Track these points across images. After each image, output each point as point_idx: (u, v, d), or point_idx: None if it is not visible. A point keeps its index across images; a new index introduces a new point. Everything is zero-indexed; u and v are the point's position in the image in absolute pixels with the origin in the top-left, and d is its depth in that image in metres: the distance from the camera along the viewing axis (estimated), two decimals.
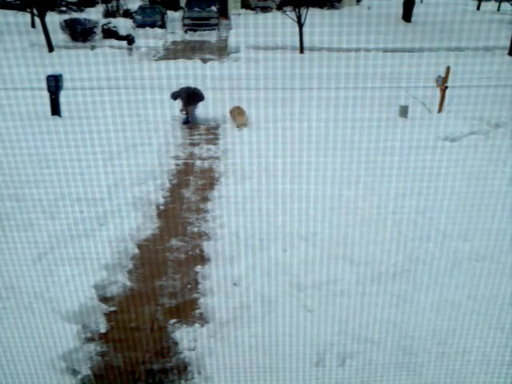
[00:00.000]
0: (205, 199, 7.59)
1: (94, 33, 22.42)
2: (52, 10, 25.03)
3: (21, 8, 23.95)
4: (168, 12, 28.72)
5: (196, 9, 25.56)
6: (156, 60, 19.60)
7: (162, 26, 25.79)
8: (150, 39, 22.53)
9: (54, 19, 22.55)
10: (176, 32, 25.75)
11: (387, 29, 23.17)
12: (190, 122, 11.45)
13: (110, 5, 28.27)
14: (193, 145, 10.18)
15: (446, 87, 11.18)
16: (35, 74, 13.89)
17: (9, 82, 14.27)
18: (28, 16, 24.27)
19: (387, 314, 4.64)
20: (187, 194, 7.83)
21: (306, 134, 9.90)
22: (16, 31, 21.94)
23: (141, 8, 26.51)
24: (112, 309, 5.00)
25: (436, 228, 6.27)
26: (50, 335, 4.34)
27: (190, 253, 6.07)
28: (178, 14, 29.20)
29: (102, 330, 4.69)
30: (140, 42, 21.61)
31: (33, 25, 24.22)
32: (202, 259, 5.88)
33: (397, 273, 5.31)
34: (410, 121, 10.78)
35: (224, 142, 10.16)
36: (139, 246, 6.13)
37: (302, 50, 20.76)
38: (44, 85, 10.80)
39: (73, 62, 16.94)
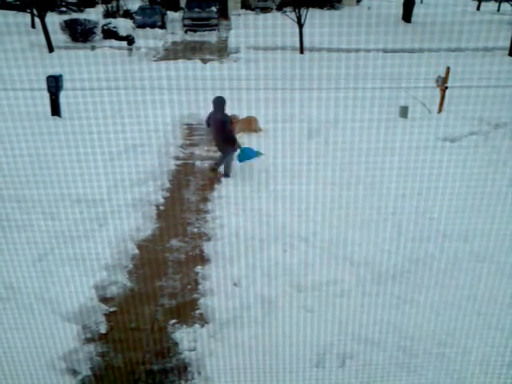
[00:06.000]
0: (205, 200, 7.60)
1: (94, 33, 22.44)
2: (52, 11, 25.02)
3: (21, 8, 23.97)
4: (168, 12, 28.76)
5: (196, 9, 25.59)
6: (156, 60, 19.61)
7: (162, 26, 25.82)
8: (149, 40, 22.54)
9: (54, 20, 22.56)
10: (176, 32, 25.77)
11: (387, 29, 23.19)
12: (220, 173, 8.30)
13: (109, 5, 28.28)
14: (193, 145, 10.18)
15: (446, 87, 11.19)
16: (35, 75, 13.89)
17: (9, 83, 14.27)
18: (28, 16, 24.28)
19: (387, 315, 4.64)
20: (187, 195, 7.83)
21: (305, 135, 9.92)
22: (16, 32, 21.93)
23: (141, 8, 26.53)
24: (112, 309, 5.00)
25: (436, 229, 6.27)
26: (50, 336, 4.33)
27: (190, 253, 6.07)
28: (178, 15, 29.24)
29: (102, 331, 4.69)
30: (140, 42, 21.63)
31: (33, 25, 24.23)
32: (202, 260, 5.88)
33: (397, 273, 5.31)
34: (410, 121, 10.78)
35: None
36: (139, 247, 6.13)
37: (302, 50, 20.77)
38: (44, 85, 10.80)
39: (73, 63, 16.95)
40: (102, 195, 7.04)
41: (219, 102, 7.85)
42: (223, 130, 7.90)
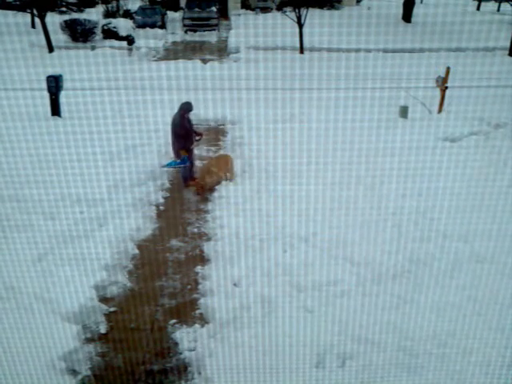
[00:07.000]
0: (205, 200, 7.59)
1: (94, 33, 22.41)
2: (52, 11, 24.99)
3: (21, 8, 23.95)
4: (168, 12, 28.73)
5: (196, 9, 25.58)
6: (156, 60, 19.60)
7: (162, 26, 25.79)
8: (150, 40, 22.52)
9: (54, 20, 22.54)
10: (176, 32, 25.76)
11: (387, 29, 23.17)
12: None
13: (110, 5, 28.26)
14: None
15: (446, 87, 11.17)
16: (35, 75, 13.88)
17: (9, 83, 14.26)
18: (28, 16, 24.27)
19: (387, 315, 4.64)
20: (187, 195, 7.82)
21: (305, 135, 9.90)
22: (16, 32, 21.92)
23: (141, 8, 26.52)
24: (112, 309, 5.00)
25: (436, 229, 6.26)
26: (50, 336, 4.33)
27: (190, 253, 6.07)
28: (178, 15, 29.23)
29: (102, 331, 4.69)
30: (140, 42, 21.61)
31: (33, 25, 24.22)
32: (202, 260, 5.87)
33: (397, 274, 5.31)
34: (410, 121, 10.78)
35: (224, 142, 10.17)
36: (139, 247, 6.12)
37: (301, 50, 20.75)
38: (44, 85, 10.80)
39: (73, 63, 16.93)
40: (101, 195, 7.04)
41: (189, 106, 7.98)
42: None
